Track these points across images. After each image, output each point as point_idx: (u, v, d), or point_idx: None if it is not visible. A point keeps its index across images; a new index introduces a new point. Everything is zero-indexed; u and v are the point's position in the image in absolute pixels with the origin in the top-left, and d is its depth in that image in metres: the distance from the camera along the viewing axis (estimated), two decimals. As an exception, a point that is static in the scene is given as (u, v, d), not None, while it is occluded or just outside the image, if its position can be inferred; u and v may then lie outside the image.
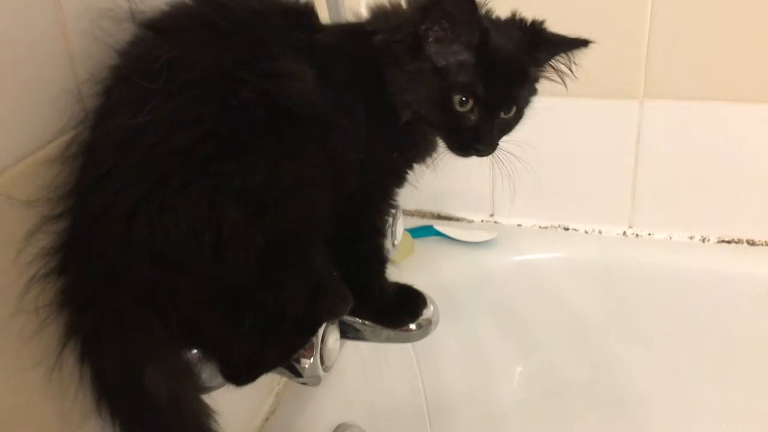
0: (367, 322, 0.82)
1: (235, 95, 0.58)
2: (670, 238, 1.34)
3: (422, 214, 1.45)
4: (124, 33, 0.64)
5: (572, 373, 1.36)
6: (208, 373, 0.67)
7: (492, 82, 0.68)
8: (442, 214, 1.44)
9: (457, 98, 0.68)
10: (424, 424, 1.25)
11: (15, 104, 0.57)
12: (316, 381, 0.77)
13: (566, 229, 1.39)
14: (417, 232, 1.37)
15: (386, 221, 0.82)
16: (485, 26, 0.67)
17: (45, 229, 0.58)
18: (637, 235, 1.36)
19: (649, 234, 1.35)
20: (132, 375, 0.59)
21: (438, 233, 1.38)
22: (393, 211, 0.83)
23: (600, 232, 1.37)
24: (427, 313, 0.83)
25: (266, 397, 1.08)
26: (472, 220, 1.44)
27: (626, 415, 1.33)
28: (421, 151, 0.77)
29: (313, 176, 0.62)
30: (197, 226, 0.56)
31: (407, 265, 1.28)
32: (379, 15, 0.73)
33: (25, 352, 0.59)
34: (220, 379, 0.68)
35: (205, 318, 0.63)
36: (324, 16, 0.84)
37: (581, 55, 0.73)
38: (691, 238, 1.33)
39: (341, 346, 0.82)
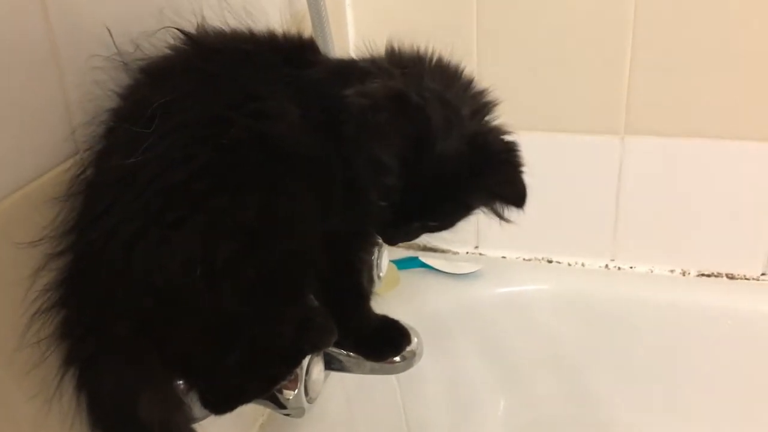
0: (351, 353, 0.83)
1: (225, 135, 0.59)
2: (652, 271, 1.36)
3: (408, 246, 1.45)
4: (123, 77, 0.66)
5: (556, 408, 1.36)
6: (196, 403, 0.67)
7: (413, 193, 0.65)
8: (428, 245, 1.45)
9: (375, 194, 0.67)
10: (408, 456, 1.24)
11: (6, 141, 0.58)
12: (300, 413, 0.77)
13: (550, 261, 1.41)
14: (402, 264, 1.38)
15: (366, 257, 0.82)
16: (428, 139, 0.63)
17: (49, 266, 0.59)
18: (619, 268, 1.38)
19: (631, 267, 1.37)
20: (127, 403, 0.60)
21: (423, 265, 1.39)
22: (373, 248, 0.83)
23: (583, 264, 1.39)
24: (411, 345, 0.83)
25: (250, 428, 1.07)
26: (457, 252, 1.45)
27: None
28: None
29: (302, 212, 0.63)
30: (191, 259, 0.57)
31: (393, 296, 1.29)
32: (371, 62, 0.70)
33: (26, 383, 0.59)
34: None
35: (194, 347, 0.63)
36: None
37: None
38: (671, 271, 1.35)
39: (326, 377, 0.83)
